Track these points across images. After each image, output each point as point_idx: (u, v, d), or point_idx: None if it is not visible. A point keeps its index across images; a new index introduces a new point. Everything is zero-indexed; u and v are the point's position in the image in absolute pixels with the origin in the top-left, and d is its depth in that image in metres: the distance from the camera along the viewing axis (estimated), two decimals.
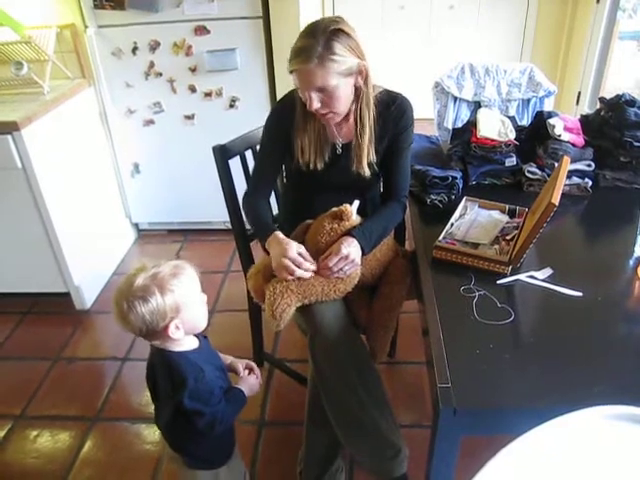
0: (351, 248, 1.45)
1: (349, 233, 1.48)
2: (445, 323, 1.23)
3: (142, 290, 1.09)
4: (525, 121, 2.17)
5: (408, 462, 1.43)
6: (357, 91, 1.50)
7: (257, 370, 1.41)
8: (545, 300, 1.33)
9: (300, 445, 1.65)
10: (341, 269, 1.45)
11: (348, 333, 1.49)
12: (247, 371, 1.40)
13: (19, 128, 2.18)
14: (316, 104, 1.44)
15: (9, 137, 2.19)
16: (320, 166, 1.57)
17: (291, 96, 1.57)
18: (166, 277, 1.13)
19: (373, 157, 1.58)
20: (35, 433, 2.02)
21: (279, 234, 1.52)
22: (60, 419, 2.08)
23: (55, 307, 2.68)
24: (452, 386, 1.06)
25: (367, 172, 1.58)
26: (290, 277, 1.43)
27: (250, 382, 1.37)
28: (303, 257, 1.45)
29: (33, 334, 2.56)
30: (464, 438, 1.11)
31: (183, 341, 1.20)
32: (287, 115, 1.56)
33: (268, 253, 1.54)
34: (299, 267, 1.43)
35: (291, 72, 1.44)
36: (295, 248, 1.45)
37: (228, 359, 1.41)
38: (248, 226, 1.86)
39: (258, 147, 1.74)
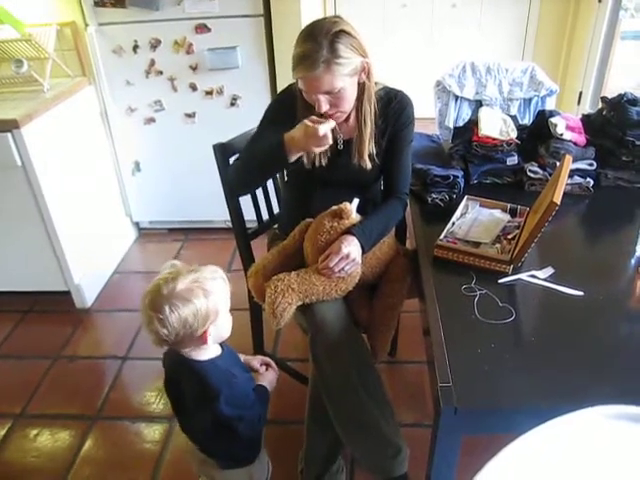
0: (351, 247, 1.44)
1: (349, 231, 1.48)
2: (446, 322, 1.23)
3: (186, 292, 1.08)
4: (526, 120, 2.17)
5: (409, 461, 1.43)
6: (360, 86, 1.49)
7: (273, 364, 1.41)
8: (546, 299, 1.32)
9: (301, 444, 1.65)
10: (342, 268, 1.45)
11: (349, 332, 1.49)
12: (264, 367, 1.40)
13: (19, 126, 2.18)
14: (325, 107, 1.43)
15: (9, 135, 2.19)
16: (324, 162, 1.57)
17: (291, 91, 1.55)
18: (207, 281, 1.13)
19: (374, 149, 1.57)
20: (35, 432, 2.02)
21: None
22: (60, 418, 2.07)
23: (55, 306, 2.68)
24: (453, 385, 1.05)
25: (368, 164, 1.57)
26: (321, 133, 1.36)
27: (269, 378, 1.37)
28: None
29: (33, 333, 2.56)
30: (465, 437, 1.11)
31: (209, 349, 1.20)
32: (288, 110, 1.54)
33: (268, 250, 1.53)
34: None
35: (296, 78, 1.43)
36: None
37: (241, 357, 1.40)
38: (249, 224, 1.87)
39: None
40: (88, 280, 2.69)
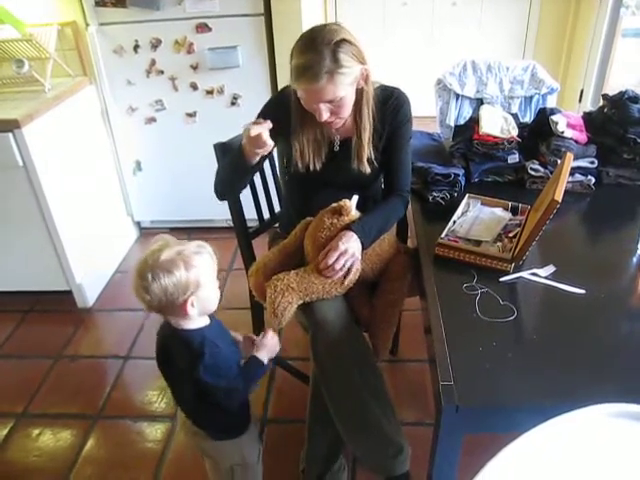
0: (350, 242, 1.44)
1: (348, 227, 1.48)
2: (447, 321, 1.23)
3: (168, 263, 1.13)
4: (527, 118, 2.17)
5: (410, 460, 1.43)
6: (359, 92, 1.49)
7: (270, 331, 1.39)
8: (548, 297, 1.32)
9: (303, 443, 1.65)
10: (343, 265, 1.44)
11: (350, 330, 1.49)
12: (261, 335, 1.40)
13: (20, 126, 2.18)
14: (326, 115, 1.43)
15: (10, 135, 2.19)
16: (318, 166, 1.57)
17: (286, 94, 1.54)
18: (191, 254, 1.17)
19: (372, 154, 1.57)
20: (37, 431, 2.02)
21: None
22: (62, 417, 2.08)
23: (57, 305, 2.68)
24: (455, 384, 1.05)
25: (367, 169, 1.58)
26: (253, 133, 1.40)
27: (267, 344, 1.36)
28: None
29: (35, 332, 2.56)
30: (467, 436, 1.10)
31: (196, 319, 1.24)
32: (282, 112, 1.53)
33: (269, 248, 1.53)
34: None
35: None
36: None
37: (239, 336, 1.42)
38: (250, 223, 1.87)
39: None
40: (90, 280, 2.69)
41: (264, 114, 1.61)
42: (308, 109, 1.46)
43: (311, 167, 1.56)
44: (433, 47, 4.05)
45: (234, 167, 1.60)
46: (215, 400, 1.25)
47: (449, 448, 1.11)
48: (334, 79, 1.35)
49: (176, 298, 1.15)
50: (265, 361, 1.33)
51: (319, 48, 1.33)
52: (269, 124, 1.43)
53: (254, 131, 1.40)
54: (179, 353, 1.23)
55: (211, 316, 1.30)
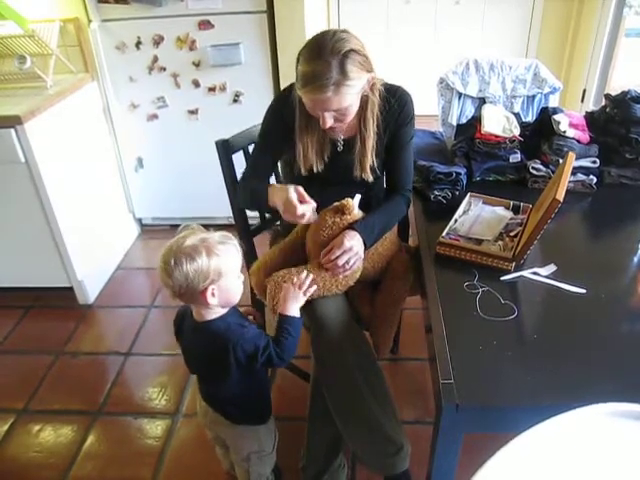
0: (353, 241, 1.44)
1: (351, 227, 1.48)
2: (448, 319, 1.23)
3: (190, 249, 1.17)
4: (530, 118, 2.16)
5: (410, 458, 1.43)
6: (364, 99, 1.48)
7: (289, 284, 1.39)
8: (549, 297, 1.32)
9: (303, 441, 1.65)
10: (346, 262, 1.44)
11: (351, 329, 1.49)
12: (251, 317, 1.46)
13: (22, 122, 2.18)
14: (330, 122, 1.43)
15: (12, 131, 2.19)
16: (321, 167, 1.57)
17: (287, 97, 1.51)
18: (214, 242, 1.20)
19: (375, 163, 1.57)
20: (38, 427, 2.02)
21: (277, 184, 1.52)
22: (63, 413, 2.08)
23: (58, 301, 2.68)
24: (455, 382, 1.05)
25: (370, 177, 1.58)
26: (299, 213, 1.39)
27: (287, 296, 1.37)
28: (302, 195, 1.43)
29: (36, 328, 2.56)
30: (467, 436, 1.11)
31: (216, 310, 1.26)
32: (288, 111, 1.53)
33: (270, 246, 1.53)
34: (301, 202, 1.40)
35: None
36: (294, 188, 1.43)
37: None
38: (252, 221, 1.87)
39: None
40: (91, 276, 2.69)
41: (266, 130, 1.62)
42: (312, 114, 1.45)
43: (314, 169, 1.56)
44: (436, 46, 4.05)
45: (255, 201, 1.64)
46: (271, 363, 1.28)
47: (449, 447, 1.11)
48: (340, 90, 1.34)
49: (197, 285, 1.17)
50: (295, 313, 1.35)
51: (327, 58, 1.32)
52: (314, 205, 1.43)
53: (300, 211, 1.39)
54: (210, 348, 1.27)
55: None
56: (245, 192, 1.65)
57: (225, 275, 1.20)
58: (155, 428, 1.99)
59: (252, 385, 1.39)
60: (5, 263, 2.61)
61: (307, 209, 1.40)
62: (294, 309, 1.35)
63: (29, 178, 2.31)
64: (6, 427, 2.03)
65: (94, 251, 2.74)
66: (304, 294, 1.38)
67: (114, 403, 2.11)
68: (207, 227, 1.28)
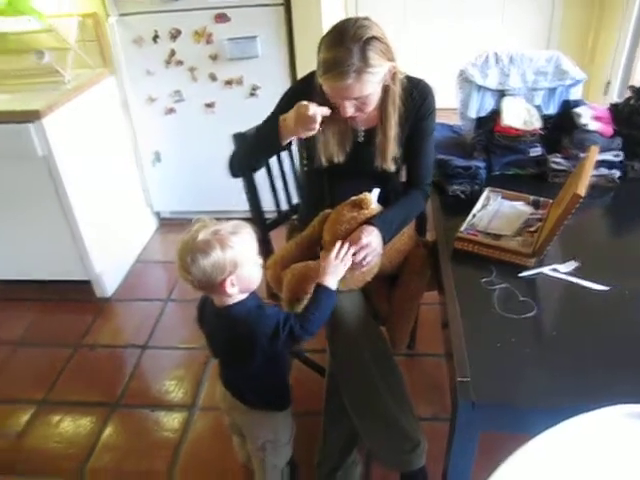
0: (371, 237, 1.43)
1: (369, 222, 1.46)
2: (465, 316, 1.21)
3: (204, 244, 1.17)
4: (551, 110, 2.11)
5: (426, 455, 1.42)
6: (384, 89, 1.46)
7: (332, 254, 1.38)
8: (569, 294, 1.30)
9: (319, 436, 1.64)
10: (363, 258, 1.43)
11: (368, 325, 1.48)
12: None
13: (40, 117, 2.19)
14: (350, 111, 1.42)
15: (30, 126, 2.20)
16: (341, 159, 1.55)
17: (309, 82, 1.50)
18: (227, 234, 1.20)
19: (397, 152, 1.55)
20: (57, 418, 2.05)
21: None
22: (81, 405, 2.10)
23: (76, 295, 2.71)
24: (471, 380, 1.04)
25: (392, 168, 1.56)
26: (310, 112, 1.37)
27: (328, 267, 1.36)
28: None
29: (55, 321, 2.59)
30: (484, 435, 1.09)
31: (237, 296, 1.26)
32: (309, 96, 1.49)
33: (288, 240, 1.52)
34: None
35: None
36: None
37: None
38: (268, 215, 1.86)
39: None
40: (109, 270, 2.71)
41: (281, 107, 1.59)
42: (332, 102, 1.44)
43: (335, 160, 1.55)
44: (455, 37, 3.99)
45: (263, 143, 1.60)
46: (295, 342, 1.29)
47: (465, 445, 1.09)
48: (361, 78, 1.33)
49: (214, 278, 1.18)
50: (332, 286, 1.35)
51: (348, 45, 1.31)
52: (327, 110, 1.41)
53: (312, 110, 1.38)
54: (232, 332, 1.28)
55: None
56: (244, 141, 1.64)
57: (241, 265, 1.21)
58: (172, 421, 2.00)
59: (274, 371, 1.40)
60: (24, 256, 2.64)
61: (318, 110, 1.39)
62: (332, 281, 1.35)
63: (47, 172, 2.33)
64: (27, 417, 2.06)
65: (112, 245, 2.76)
66: (344, 266, 1.38)
67: (131, 395, 2.13)
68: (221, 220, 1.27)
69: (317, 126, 1.41)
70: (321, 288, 1.34)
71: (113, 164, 2.84)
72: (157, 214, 3.32)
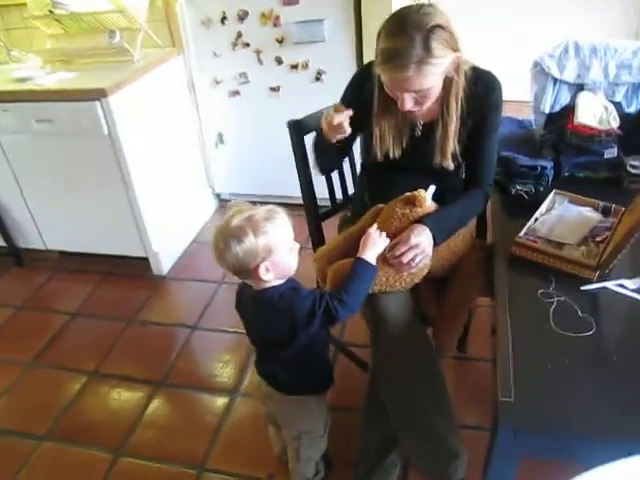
0: (421, 237, 1.36)
1: (421, 220, 1.39)
2: (516, 329, 1.13)
3: (237, 230, 1.17)
4: (633, 108, 1.95)
5: (466, 466, 1.34)
6: (447, 81, 1.37)
7: (373, 228, 1.37)
8: (635, 313, 1.19)
9: (357, 434, 1.60)
10: (411, 259, 1.36)
11: (413, 329, 1.41)
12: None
13: (107, 95, 2.24)
14: (409, 105, 1.35)
15: (97, 103, 2.25)
16: (398, 153, 1.49)
17: (367, 73, 1.43)
18: (260, 220, 1.18)
19: (457, 149, 1.47)
20: (105, 390, 2.12)
21: None
22: (128, 380, 2.16)
23: (134, 270, 2.78)
24: (515, 401, 0.96)
25: (451, 165, 1.48)
26: (335, 122, 1.37)
27: (370, 240, 1.34)
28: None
29: (111, 295, 2.68)
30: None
31: (273, 282, 1.26)
32: (366, 94, 1.46)
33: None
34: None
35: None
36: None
37: None
38: (321, 203, 1.82)
39: None
40: (166, 248, 2.76)
41: (346, 97, 1.56)
42: (391, 94, 1.37)
43: (390, 154, 1.49)
44: (531, 24, 3.75)
45: (320, 147, 1.59)
46: (333, 319, 1.26)
47: (503, 471, 1.02)
48: (422, 70, 1.25)
49: (248, 264, 1.18)
50: (371, 260, 1.32)
51: (410, 33, 1.23)
52: (350, 112, 1.37)
53: (337, 120, 1.36)
54: (269, 316, 1.28)
55: None
56: (313, 142, 1.62)
57: (275, 250, 1.19)
58: (213, 404, 2.02)
59: (312, 355, 1.38)
60: (87, 230, 2.72)
61: (342, 117, 1.36)
62: (371, 254, 1.32)
63: (112, 150, 2.38)
64: (78, 386, 2.14)
65: (171, 224, 2.81)
66: (384, 241, 1.35)
67: (177, 375, 2.16)
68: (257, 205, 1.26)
69: (347, 129, 1.38)
70: (359, 261, 1.31)
71: (176, 144, 2.87)
72: (217, 195, 3.35)
